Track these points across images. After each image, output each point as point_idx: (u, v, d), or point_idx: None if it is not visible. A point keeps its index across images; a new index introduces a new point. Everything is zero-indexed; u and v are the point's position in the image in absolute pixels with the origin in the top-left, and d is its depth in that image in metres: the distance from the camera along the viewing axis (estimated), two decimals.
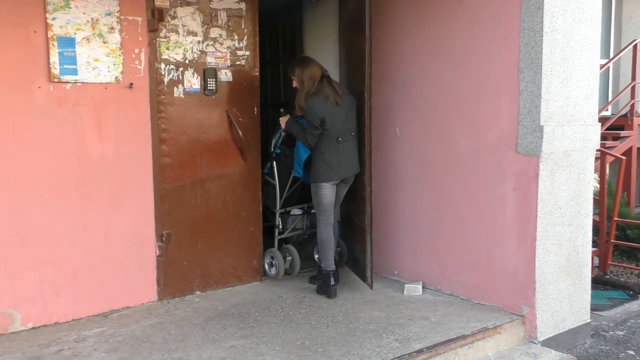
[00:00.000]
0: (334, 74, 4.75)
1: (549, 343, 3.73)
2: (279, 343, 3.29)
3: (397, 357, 3.08)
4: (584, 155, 3.81)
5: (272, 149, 4.51)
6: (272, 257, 4.48)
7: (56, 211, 3.54)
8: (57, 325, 3.58)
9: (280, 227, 4.55)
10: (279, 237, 4.56)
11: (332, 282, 4.07)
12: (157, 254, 3.96)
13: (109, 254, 3.75)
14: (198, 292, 4.18)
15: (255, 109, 4.35)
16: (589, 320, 4.07)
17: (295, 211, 4.69)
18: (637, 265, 5.83)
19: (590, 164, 3.90)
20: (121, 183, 3.77)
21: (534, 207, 3.57)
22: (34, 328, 3.51)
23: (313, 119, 3.87)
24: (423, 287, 4.22)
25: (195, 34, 4.01)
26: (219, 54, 4.13)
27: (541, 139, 3.50)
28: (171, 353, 3.18)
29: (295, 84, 4.02)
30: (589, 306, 4.07)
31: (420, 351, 3.17)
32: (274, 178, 4.50)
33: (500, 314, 3.72)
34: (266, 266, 4.50)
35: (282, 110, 4.38)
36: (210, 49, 4.09)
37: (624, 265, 5.82)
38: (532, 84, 3.52)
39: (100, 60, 3.63)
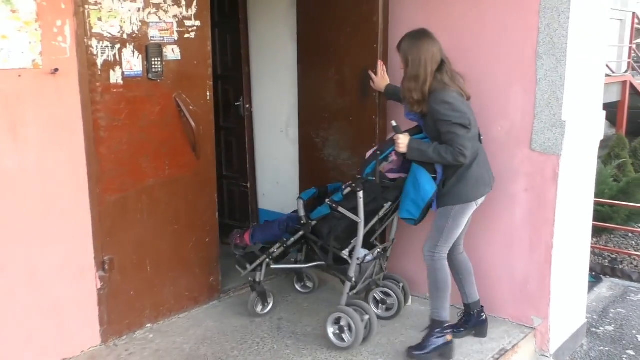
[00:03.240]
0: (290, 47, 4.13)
1: (558, 355, 3.57)
2: None
3: None
4: (594, 149, 3.58)
5: (363, 174, 3.21)
6: (347, 321, 3.20)
7: None
8: None
9: (354, 278, 3.25)
10: (350, 292, 3.27)
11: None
12: (99, 286, 3.21)
13: (36, 296, 2.95)
14: (149, 325, 3.49)
15: (208, 94, 3.63)
16: (585, 320, 3.97)
17: (369, 256, 3.38)
18: (597, 244, 5.94)
19: (596, 157, 3.69)
20: (48, 202, 2.95)
21: (551, 210, 3.29)
22: None
23: (462, 119, 2.90)
24: (411, 296, 3.86)
25: (134, 0, 3.18)
26: (163, 25, 3.33)
27: (562, 135, 3.19)
28: None
29: (408, 67, 3.01)
30: (585, 306, 3.97)
31: None
32: (358, 213, 3.17)
33: (509, 328, 3.47)
34: (333, 334, 3.23)
35: (394, 123, 3.09)
36: (153, 18, 3.27)
37: None
38: (554, 72, 3.17)
39: (8, 38, 2.72)
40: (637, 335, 4.13)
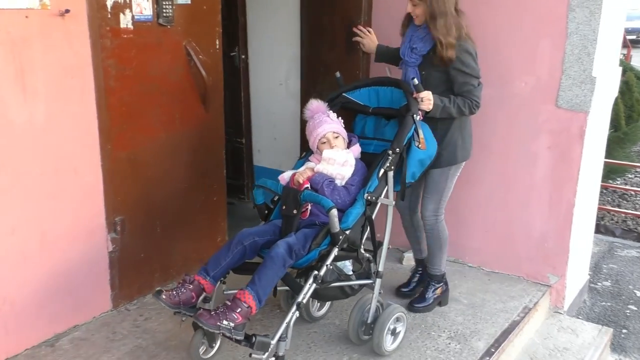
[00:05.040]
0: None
1: (570, 311, 3.68)
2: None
3: None
4: (610, 106, 3.63)
5: (397, 149, 2.66)
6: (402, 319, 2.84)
7: None
8: None
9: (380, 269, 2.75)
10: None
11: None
12: (110, 249, 3.04)
13: (47, 260, 2.76)
14: (159, 289, 3.35)
15: (217, 42, 3.43)
16: (588, 277, 4.10)
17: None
18: None
19: (610, 113, 3.75)
20: (58, 158, 2.73)
21: (575, 169, 3.32)
22: None
23: (479, 71, 2.89)
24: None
25: None
26: None
27: (592, 92, 3.20)
28: None
29: (425, 12, 2.81)
30: (588, 263, 4.09)
31: (488, 353, 2.85)
32: (388, 195, 2.72)
33: (525, 286, 3.53)
34: (387, 339, 2.74)
35: (415, 81, 2.73)
36: None
37: None
38: (587, 25, 3.14)
39: None
40: (635, 291, 4.31)
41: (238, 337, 2.27)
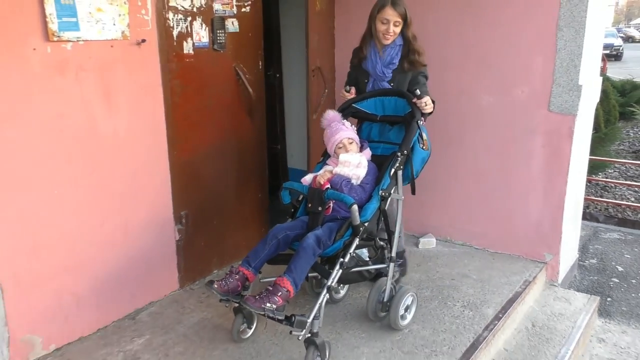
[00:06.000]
0: None
1: (563, 284, 3.82)
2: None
3: (485, 329, 2.89)
4: (593, 110, 3.78)
5: (405, 150, 2.79)
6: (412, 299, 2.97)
7: (69, 207, 2.65)
8: (84, 340, 2.79)
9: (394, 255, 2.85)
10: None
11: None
12: (177, 238, 3.23)
13: (129, 247, 2.96)
14: (216, 272, 3.56)
15: (260, 63, 3.62)
16: (577, 255, 4.24)
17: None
18: None
19: (593, 116, 3.89)
20: (137, 163, 2.93)
21: (565, 163, 3.48)
22: (58, 349, 2.70)
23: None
24: (436, 240, 4.03)
25: None
26: None
27: (579, 98, 3.36)
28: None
29: (410, 26, 3.00)
30: (577, 243, 4.23)
31: (496, 317, 3.01)
32: (398, 191, 2.83)
33: (525, 263, 3.69)
34: (401, 315, 2.85)
35: (418, 91, 2.85)
36: None
37: None
38: (573, 42, 3.31)
39: (103, 10, 2.65)
40: (617, 266, 4.45)
41: (280, 317, 2.34)
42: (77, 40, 2.56)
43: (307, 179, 2.83)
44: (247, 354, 2.67)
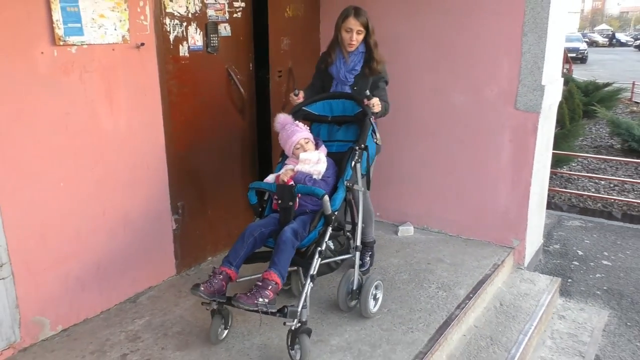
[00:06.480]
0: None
1: (529, 267, 3.95)
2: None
3: (457, 307, 3.00)
4: (556, 107, 3.90)
5: (362, 144, 2.81)
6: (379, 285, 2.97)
7: (74, 198, 2.70)
8: (88, 322, 2.85)
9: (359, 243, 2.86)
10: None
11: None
12: (174, 227, 3.29)
13: (129, 235, 3.02)
14: (210, 258, 3.62)
15: (251, 65, 3.70)
16: (542, 241, 4.38)
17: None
18: None
19: (555, 114, 4.02)
20: (136, 157, 2.98)
21: (530, 156, 3.60)
22: (64, 330, 2.76)
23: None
24: (414, 228, 4.14)
25: None
26: (218, 5, 3.34)
27: (542, 97, 3.48)
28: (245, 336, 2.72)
29: (372, 35, 3.05)
30: (542, 230, 4.37)
31: (467, 297, 3.12)
32: (359, 182, 2.83)
33: (494, 249, 3.80)
34: (372, 302, 2.87)
35: (367, 92, 2.92)
36: (209, 0, 3.28)
37: None
38: (536, 46, 3.42)
39: (105, 17, 2.69)
40: (577, 251, 4.60)
41: (273, 310, 2.29)
42: (82, 44, 2.60)
43: (269, 179, 2.80)
44: (239, 333, 2.75)
